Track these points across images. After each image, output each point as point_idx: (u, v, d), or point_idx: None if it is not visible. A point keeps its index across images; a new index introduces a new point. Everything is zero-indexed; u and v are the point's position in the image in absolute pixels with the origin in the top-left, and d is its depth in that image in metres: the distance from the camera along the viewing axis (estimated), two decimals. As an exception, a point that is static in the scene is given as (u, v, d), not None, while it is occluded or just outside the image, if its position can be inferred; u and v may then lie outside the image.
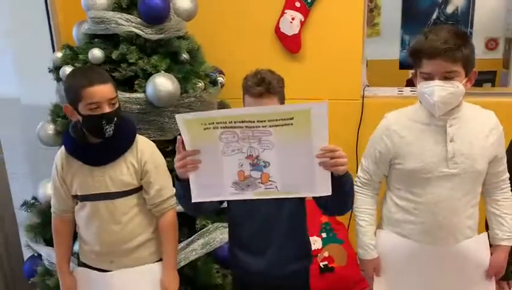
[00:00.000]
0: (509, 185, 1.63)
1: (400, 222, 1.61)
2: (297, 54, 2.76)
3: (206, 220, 2.11)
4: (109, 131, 1.58)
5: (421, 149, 1.52)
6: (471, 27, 4.66)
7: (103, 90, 1.56)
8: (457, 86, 1.42)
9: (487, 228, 1.70)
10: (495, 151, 1.55)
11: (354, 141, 2.72)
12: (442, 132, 1.50)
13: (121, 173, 1.66)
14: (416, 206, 1.56)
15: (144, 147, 1.70)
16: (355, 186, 1.64)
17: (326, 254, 2.70)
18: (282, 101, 1.55)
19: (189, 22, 2.29)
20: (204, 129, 1.28)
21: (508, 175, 1.62)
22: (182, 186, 1.38)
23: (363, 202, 1.67)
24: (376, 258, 1.65)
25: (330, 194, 1.31)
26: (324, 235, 2.79)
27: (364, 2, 2.67)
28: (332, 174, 1.30)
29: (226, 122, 1.27)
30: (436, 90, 1.42)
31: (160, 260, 1.77)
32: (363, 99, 2.77)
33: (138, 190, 1.71)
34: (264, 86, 1.47)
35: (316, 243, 2.75)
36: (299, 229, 1.66)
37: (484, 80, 3.74)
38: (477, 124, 1.53)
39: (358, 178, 1.69)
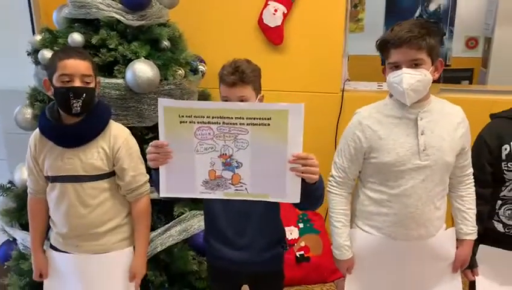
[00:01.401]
0: (473, 180, 1.68)
1: (372, 215, 1.64)
2: (280, 46, 2.79)
3: (183, 207, 2.13)
4: (76, 107, 1.57)
5: (394, 142, 1.55)
6: (452, 25, 4.75)
7: (78, 64, 1.56)
8: (425, 74, 1.47)
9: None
10: (462, 144, 1.59)
11: (334, 133, 2.76)
12: (413, 125, 1.55)
13: (91, 156, 1.65)
14: (389, 198, 1.59)
15: (118, 133, 1.70)
16: (329, 186, 1.68)
17: (302, 244, 2.75)
18: (257, 91, 1.56)
19: (172, 10, 2.29)
20: (181, 123, 1.28)
21: (471, 170, 1.67)
22: (156, 173, 1.39)
23: (338, 203, 1.68)
24: (350, 258, 1.68)
25: (298, 202, 1.34)
26: (301, 225, 2.83)
27: (346, -3, 2.69)
28: (303, 180, 1.33)
29: (203, 117, 1.28)
30: (405, 77, 1.46)
31: (130, 246, 1.76)
32: (342, 93, 2.81)
33: (110, 175, 1.70)
34: (237, 75, 1.48)
35: (292, 233, 2.79)
36: (274, 217, 1.69)
37: (462, 77, 3.81)
38: (446, 118, 1.58)
39: (333, 177, 1.68)
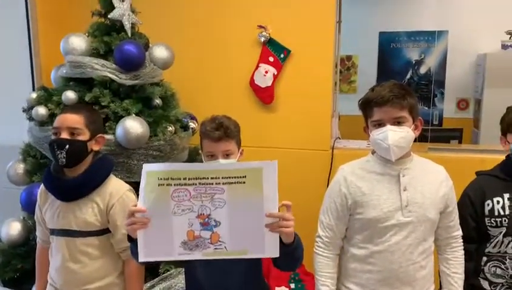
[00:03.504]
0: (461, 243, 1.65)
1: (357, 272, 1.62)
2: (270, 105, 2.87)
3: (169, 264, 2.10)
4: (61, 158, 1.60)
5: (378, 198, 1.56)
6: (443, 88, 4.91)
7: (66, 118, 1.63)
8: (407, 131, 1.52)
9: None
10: (446, 203, 1.60)
11: (324, 190, 2.75)
12: (395, 182, 1.56)
13: (86, 212, 1.66)
14: (373, 255, 1.57)
15: (115, 189, 1.70)
16: (316, 247, 1.65)
17: (293, 305, 2.66)
18: (238, 145, 1.60)
19: (168, 70, 2.40)
20: (159, 185, 1.30)
21: (460, 233, 1.66)
22: (134, 244, 1.37)
23: (325, 266, 1.64)
24: None
25: (277, 256, 1.33)
26: (292, 285, 2.76)
27: (333, 60, 2.80)
28: (281, 239, 1.34)
29: (180, 179, 1.29)
30: (390, 134, 1.50)
31: None
32: (332, 150, 2.85)
33: (103, 232, 1.69)
34: (222, 130, 1.53)
35: (284, 293, 2.72)
36: (256, 275, 1.65)
37: (451, 136, 3.88)
38: (428, 175, 1.60)
39: (321, 238, 1.65)
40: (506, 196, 1.65)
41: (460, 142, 3.86)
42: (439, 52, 4.86)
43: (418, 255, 1.56)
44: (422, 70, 4.93)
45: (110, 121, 2.06)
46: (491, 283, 1.65)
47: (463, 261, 1.64)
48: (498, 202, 1.65)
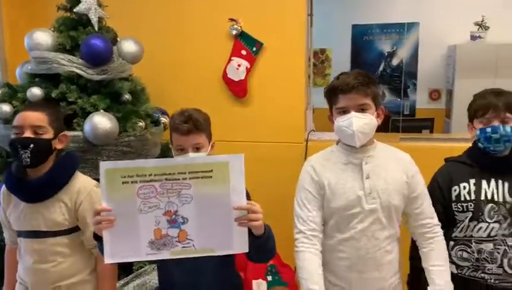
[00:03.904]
0: (437, 233, 1.64)
1: (328, 261, 1.63)
2: (244, 99, 2.86)
3: (143, 261, 2.08)
4: (25, 158, 1.55)
5: (343, 187, 1.58)
6: (415, 79, 4.99)
7: (28, 116, 1.57)
8: (371, 118, 1.55)
9: (412, 258, 1.77)
10: (410, 188, 1.62)
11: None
12: (358, 170, 1.59)
13: (54, 212, 1.62)
14: (341, 243, 1.60)
15: (82, 186, 1.66)
16: (298, 245, 1.60)
17: (270, 297, 2.67)
18: (209, 138, 1.59)
19: (138, 65, 2.36)
20: (123, 183, 1.27)
21: (433, 222, 1.64)
22: (101, 243, 1.34)
23: (312, 262, 1.56)
24: None
25: (247, 251, 1.33)
26: (269, 278, 2.77)
27: (305, 54, 2.81)
28: (250, 231, 1.33)
29: (145, 175, 1.27)
30: (354, 120, 1.52)
31: None
32: (306, 143, 2.86)
33: (72, 231, 1.66)
34: (191, 123, 1.51)
35: (261, 286, 2.72)
36: (229, 271, 1.65)
37: (423, 126, 3.95)
38: (392, 162, 1.62)
39: (302, 233, 1.59)
40: (472, 181, 1.68)
41: (431, 131, 3.93)
42: (410, 44, 4.94)
43: (383, 241, 1.59)
44: (395, 62, 5.00)
45: (78, 117, 2.02)
46: (458, 266, 1.69)
47: (442, 253, 1.63)
48: (464, 188, 1.69)
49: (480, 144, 1.67)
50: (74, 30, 2.16)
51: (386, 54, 5.01)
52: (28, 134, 1.55)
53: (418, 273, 1.71)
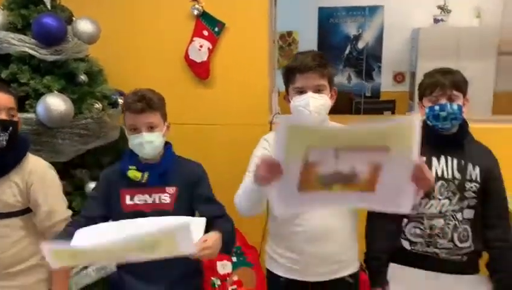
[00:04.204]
0: None
1: (285, 235, 1.66)
2: (207, 80, 2.83)
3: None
4: (2, 141, 1.54)
5: None
6: (380, 62, 5.06)
7: (3, 98, 1.56)
8: (326, 99, 1.58)
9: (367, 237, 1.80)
10: None
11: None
12: None
13: (3, 192, 1.59)
14: (298, 216, 1.62)
15: (34, 167, 1.64)
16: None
17: (235, 278, 2.70)
18: (164, 119, 1.59)
19: (96, 46, 2.29)
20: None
21: None
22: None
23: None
24: None
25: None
26: (234, 259, 2.79)
27: (268, 35, 2.79)
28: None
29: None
30: (311, 100, 1.55)
31: (48, 288, 1.69)
32: (271, 125, 2.87)
33: (24, 212, 1.64)
34: (145, 102, 1.50)
35: (225, 267, 2.74)
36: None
37: (385, 108, 4.03)
38: None
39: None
40: (423, 159, 1.72)
41: (393, 113, 4.01)
42: (375, 27, 5.00)
43: (340, 212, 1.63)
44: (360, 45, 5.06)
45: (31, 98, 1.94)
46: (411, 242, 1.73)
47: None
48: None
49: (428, 122, 1.71)
50: (25, 8, 2.07)
51: (352, 37, 5.05)
52: (4, 116, 1.54)
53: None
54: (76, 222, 1.60)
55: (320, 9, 5.01)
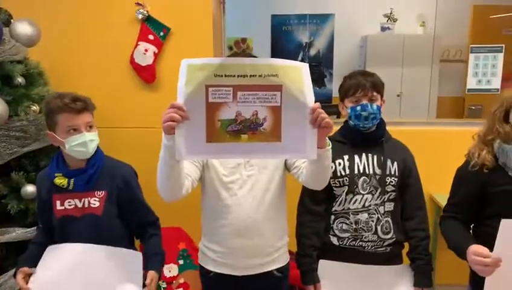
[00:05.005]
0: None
1: (213, 229, 1.69)
2: (153, 84, 2.85)
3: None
4: None
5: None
6: (331, 68, 5.21)
7: None
8: None
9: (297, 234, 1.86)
10: (290, 161, 1.70)
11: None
12: None
13: None
14: (224, 210, 1.65)
15: None
16: None
17: (181, 281, 2.71)
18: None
19: (41, 49, 2.28)
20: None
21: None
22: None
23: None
24: None
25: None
26: (181, 261, 2.80)
27: (212, 39, 2.84)
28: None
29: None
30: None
31: None
32: (217, 128, 2.91)
33: None
34: (81, 102, 1.54)
35: (172, 270, 2.75)
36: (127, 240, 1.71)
37: (331, 112, 4.12)
38: None
39: None
40: (346, 157, 1.80)
41: (338, 117, 4.14)
42: (327, 34, 5.15)
43: (267, 206, 1.66)
44: (312, 52, 5.19)
45: (-37, 100, 1.92)
46: (339, 238, 1.79)
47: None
48: (340, 164, 1.79)
49: (351, 122, 1.80)
50: (-41, 9, 2.05)
51: (304, 44, 5.18)
52: None
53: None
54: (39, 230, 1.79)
55: (274, 16, 5.12)
